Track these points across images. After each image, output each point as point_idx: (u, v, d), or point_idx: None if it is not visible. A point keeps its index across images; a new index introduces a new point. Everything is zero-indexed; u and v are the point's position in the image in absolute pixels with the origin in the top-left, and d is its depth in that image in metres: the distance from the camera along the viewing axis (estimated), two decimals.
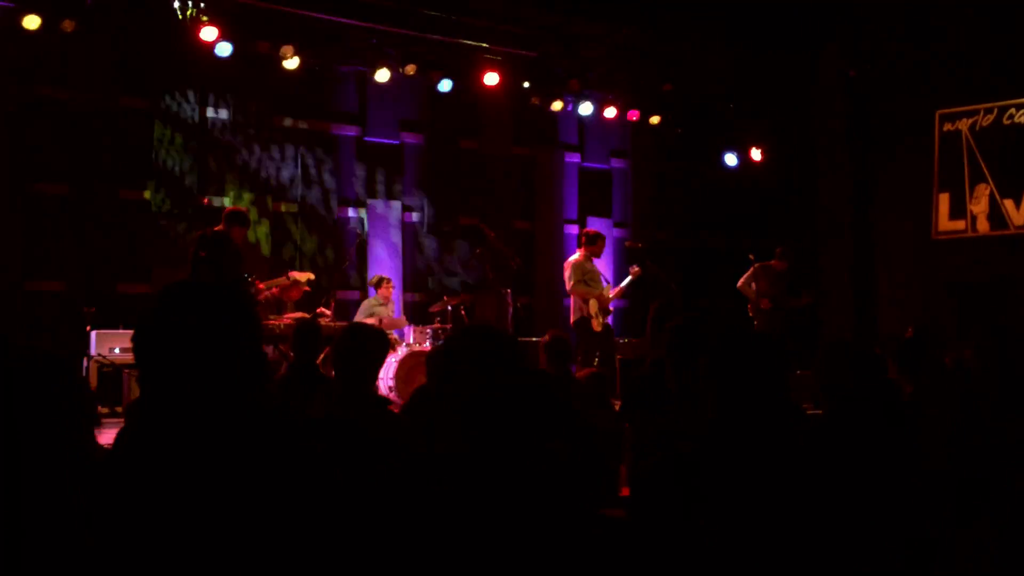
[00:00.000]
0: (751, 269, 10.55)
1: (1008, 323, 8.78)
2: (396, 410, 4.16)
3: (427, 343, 9.86)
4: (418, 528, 1.82)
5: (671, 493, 1.97)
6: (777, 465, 2.00)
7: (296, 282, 8.97)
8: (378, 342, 3.59)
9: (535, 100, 11.70)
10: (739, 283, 10.66)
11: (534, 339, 9.08)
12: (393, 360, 9.44)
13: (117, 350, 8.64)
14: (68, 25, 8.94)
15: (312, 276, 9.10)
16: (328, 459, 1.75)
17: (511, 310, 10.50)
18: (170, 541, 1.54)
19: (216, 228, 8.20)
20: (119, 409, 8.28)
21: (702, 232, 13.64)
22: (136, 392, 8.19)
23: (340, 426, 3.15)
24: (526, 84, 11.65)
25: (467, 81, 11.46)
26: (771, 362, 2.10)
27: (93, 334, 8.89)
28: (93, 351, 8.63)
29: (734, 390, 2.06)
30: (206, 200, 8.96)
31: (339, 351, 3.49)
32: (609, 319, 9.61)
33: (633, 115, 12.41)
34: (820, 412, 3.76)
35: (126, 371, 8.47)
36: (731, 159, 13.31)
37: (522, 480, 1.91)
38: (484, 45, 11.15)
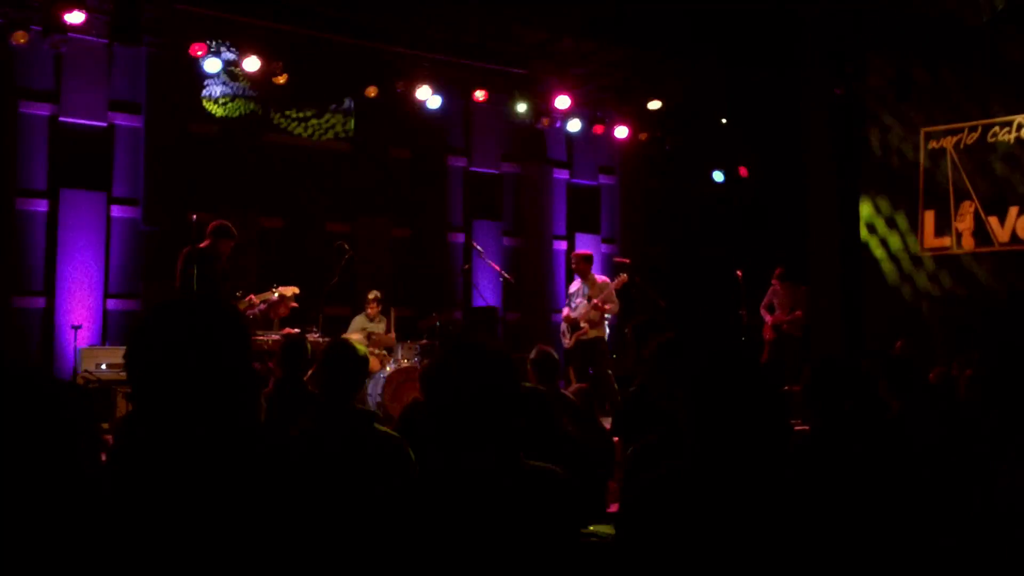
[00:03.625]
0: (768, 291, 11.00)
1: (1005, 342, 8.85)
2: (388, 426, 4.15)
3: (416, 359, 9.85)
4: (405, 544, 1.82)
5: (663, 513, 1.97)
6: (768, 485, 2.00)
7: (283, 297, 8.93)
8: (358, 357, 3.59)
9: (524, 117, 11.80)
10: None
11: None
12: (382, 376, 9.41)
13: (104, 366, 8.59)
14: (58, 40, 8.95)
15: (297, 290, 9.06)
16: (314, 475, 1.75)
17: (501, 326, 10.56)
18: (164, 558, 1.53)
19: (202, 244, 8.18)
20: (106, 426, 8.21)
21: (692, 248, 13.71)
22: (123, 409, 8.18)
23: (323, 442, 3.14)
24: (519, 99, 11.75)
25: (457, 97, 11.53)
26: (754, 382, 2.09)
27: (80, 350, 8.85)
28: (80, 368, 8.58)
29: (718, 411, 2.06)
30: (193, 216, 8.91)
31: (321, 367, 3.51)
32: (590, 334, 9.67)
33: (622, 132, 12.52)
34: (807, 428, 3.78)
35: (113, 388, 8.41)
36: (719, 176, 13.40)
37: (512, 497, 1.91)
38: (481, 64, 11.25)
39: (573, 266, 9.97)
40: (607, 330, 9.70)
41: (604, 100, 12.35)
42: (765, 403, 2.07)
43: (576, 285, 9.93)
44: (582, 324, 9.61)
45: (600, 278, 9.86)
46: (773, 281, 11.02)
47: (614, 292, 9.67)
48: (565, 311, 9.93)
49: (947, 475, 4.81)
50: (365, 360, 3.61)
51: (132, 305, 10.16)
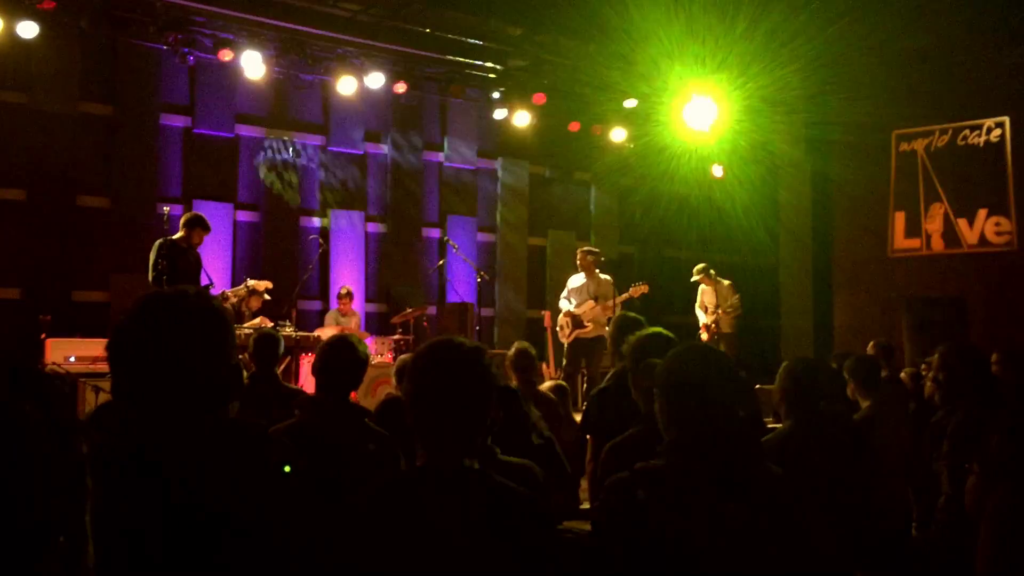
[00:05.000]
0: (699, 291, 10.84)
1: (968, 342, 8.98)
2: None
3: (389, 354, 9.82)
4: (387, 540, 1.82)
5: (640, 510, 1.98)
6: (741, 481, 2.02)
7: (255, 291, 8.87)
8: (361, 354, 3.61)
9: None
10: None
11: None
12: None
13: (72, 359, 8.49)
14: (30, 30, 8.83)
15: (270, 285, 9.00)
16: (311, 469, 1.74)
17: (475, 322, 10.53)
18: (154, 548, 1.52)
19: (175, 236, 8.10)
20: None
21: (664, 246, 13.78)
22: (91, 402, 8.08)
23: (322, 437, 3.15)
24: (496, 95, 11.77)
25: (432, 93, 11.50)
26: (728, 378, 2.12)
27: (48, 342, 8.73)
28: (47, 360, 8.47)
29: (689, 406, 2.07)
30: (167, 208, 8.83)
31: (323, 362, 3.48)
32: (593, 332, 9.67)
33: (597, 130, 12.56)
34: (780, 425, 3.81)
35: (81, 380, 8.31)
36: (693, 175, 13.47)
37: (484, 492, 1.91)
38: (458, 59, 11.25)
39: (578, 262, 9.82)
40: (607, 328, 9.67)
41: (580, 97, 12.37)
42: (740, 400, 2.09)
43: (579, 280, 9.77)
44: (586, 323, 9.56)
45: (603, 276, 9.80)
46: (698, 279, 10.82)
47: (617, 293, 9.64)
48: (565, 305, 9.76)
49: (915, 473, 4.87)
50: (366, 358, 3.64)
51: (101, 297, 10.04)
